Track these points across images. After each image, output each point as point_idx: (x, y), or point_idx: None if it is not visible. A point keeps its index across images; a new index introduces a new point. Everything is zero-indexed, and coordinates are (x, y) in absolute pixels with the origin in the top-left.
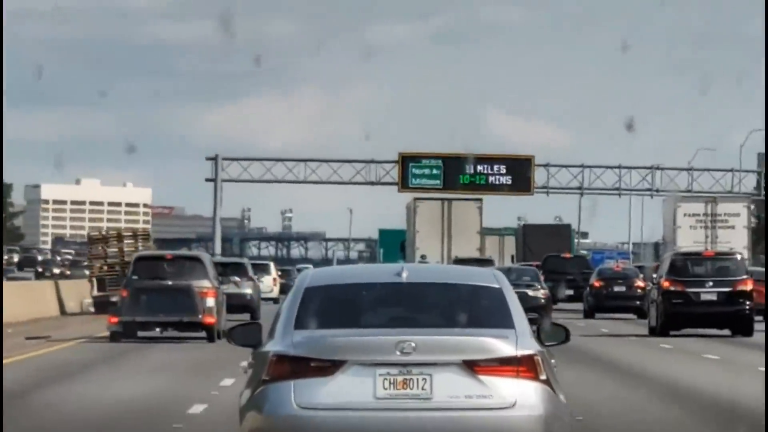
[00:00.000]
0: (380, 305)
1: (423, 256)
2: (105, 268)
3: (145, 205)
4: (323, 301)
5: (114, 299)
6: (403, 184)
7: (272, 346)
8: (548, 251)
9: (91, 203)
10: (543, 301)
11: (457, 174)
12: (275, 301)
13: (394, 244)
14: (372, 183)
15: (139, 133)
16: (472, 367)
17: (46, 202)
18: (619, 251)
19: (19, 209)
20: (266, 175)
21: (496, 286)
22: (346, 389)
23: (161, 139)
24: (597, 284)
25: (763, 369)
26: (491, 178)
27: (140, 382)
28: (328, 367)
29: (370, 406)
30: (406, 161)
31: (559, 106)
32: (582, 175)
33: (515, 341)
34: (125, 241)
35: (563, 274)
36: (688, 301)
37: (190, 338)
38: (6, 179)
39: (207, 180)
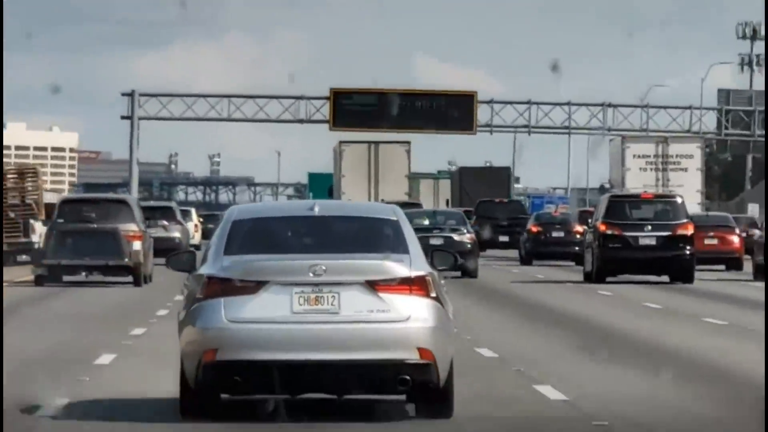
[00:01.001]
0: (296, 235)
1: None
2: None
3: (71, 150)
4: (248, 231)
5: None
6: (335, 122)
7: (205, 270)
8: (485, 196)
9: (17, 147)
10: (469, 246)
11: (392, 111)
12: (197, 247)
13: (324, 188)
14: (301, 121)
15: (65, 78)
16: (373, 286)
17: None
18: (560, 196)
19: None
20: (187, 112)
21: (394, 218)
22: (268, 305)
23: (87, 84)
24: (534, 229)
25: (708, 319)
26: (430, 115)
27: (48, 331)
28: (252, 286)
29: (288, 320)
30: (338, 97)
31: (495, 50)
32: (529, 112)
33: (409, 264)
34: (9, 181)
35: (497, 220)
36: (626, 245)
37: (115, 283)
38: None
39: (123, 118)
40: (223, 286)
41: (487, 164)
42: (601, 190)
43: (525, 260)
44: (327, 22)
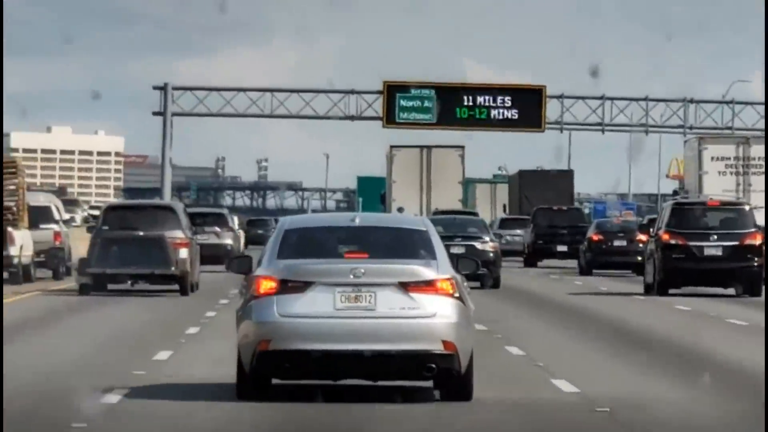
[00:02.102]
0: (339, 242)
1: (400, 209)
2: None
3: (117, 154)
4: (297, 239)
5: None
6: (389, 118)
7: (261, 271)
8: (547, 201)
9: (62, 152)
10: (492, 254)
11: (452, 107)
12: None
13: (374, 193)
14: (351, 118)
15: (111, 81)
16: (405, 286)
17: (16, 150)
18: (623, 201)
19: None
20: (225, 108)
21: (424, 229)
22: (314, 303)
23: (133, 88)
24: (595, 238)
25: None
26: (494, 112)
27: (101, 332)
28: (301, 286)
29: (331, 315)
30: (392, 91)
31: (567, 42)
32: (602, 108)
33: (436, 268)
34: None
35: (555, 228)
36: (690, 255)
37: (162, 291)
38: None
39: (155, 114)
40: (276, 286)
41: (539, 168)
42: (674, 195)
43: (584, 270)
44: (369, 24)
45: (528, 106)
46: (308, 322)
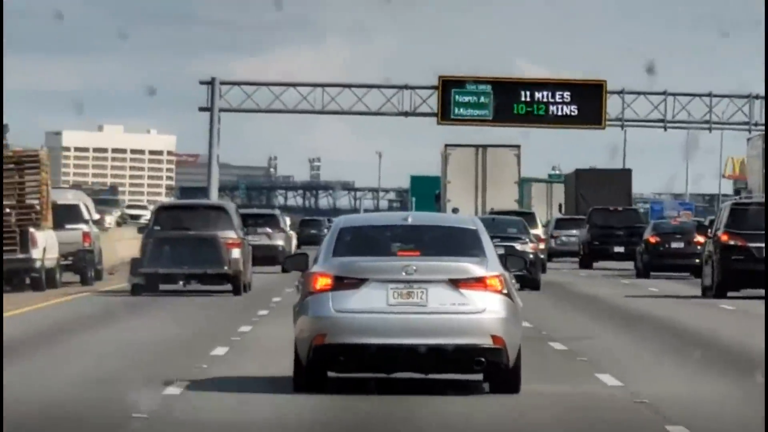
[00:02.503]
0: (392, 240)
1: (455, 210)
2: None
3: (169, 153)
4: (352, 238)
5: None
6: (444, 114)
7: (317, 269)
8: (604, 201)
9: (114, 151)
10: (531, 255)
11: (510, 102)
12: None
13: (428, 193)
14: (405, 114)
15: (163, 80)
16: (455, 283)
17: (68, 149)
18: (681, 201)
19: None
20: (275, 103)
21: (473, 228)
22: (368, 298)
23: (185, 87)
24: (652, 240)
25: None
26: (553, 108)
27: (163, 329)
28: (355, 283)
29: (384, 310)
30: (447, 86)
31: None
32: (664, 104)
33: (486, 266)
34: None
35: (611, 229)
36: (750, 257)
37: (215, 292)
38: (28, 127)
39: (201, 109)
40: (332, 283)
41: (591, 167)
42: (736, 195)
43: (641, 273)
44: (423, 21)
45: (588, 102)
46: (362, 317)
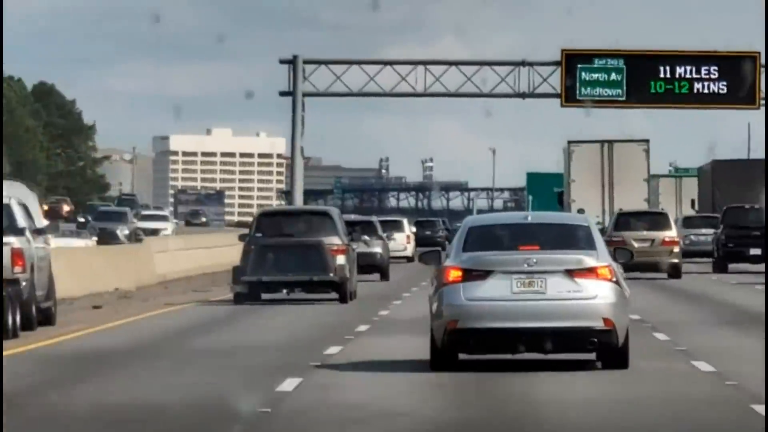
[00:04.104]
0: (514, 237)
1: (580, 211)
2: None
3: (278, 156)
4: (479, 235)
5: None
6: (568, 95)
7: (449, 263)
8: (743, 197)
9: (222, 154)
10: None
11: (646, 80)
12: (409, 259)
13: (546, 190)
14: (522, 95)
15: (271, 82)
16: (571, 273)
17: (176, 153)
18: None
19: (103, 155)
20: (368, 85)
21: (586, 224)
22: (494, 288)
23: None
24: None
25: None
26: (697, 85)
27: (276, 332)
28: (483, 274)
29: (509, 298)
30: (572, 62)
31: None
32: None
33: (597, 257)
34: None
35: (747, 229)
36: None
37: (320, 300)
38: (134, 131)
39: (282, 94)
40: (462, 275)
41: (712, 159)
42: None
43: None
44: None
45: (738, 78)
46: (489, 304)
